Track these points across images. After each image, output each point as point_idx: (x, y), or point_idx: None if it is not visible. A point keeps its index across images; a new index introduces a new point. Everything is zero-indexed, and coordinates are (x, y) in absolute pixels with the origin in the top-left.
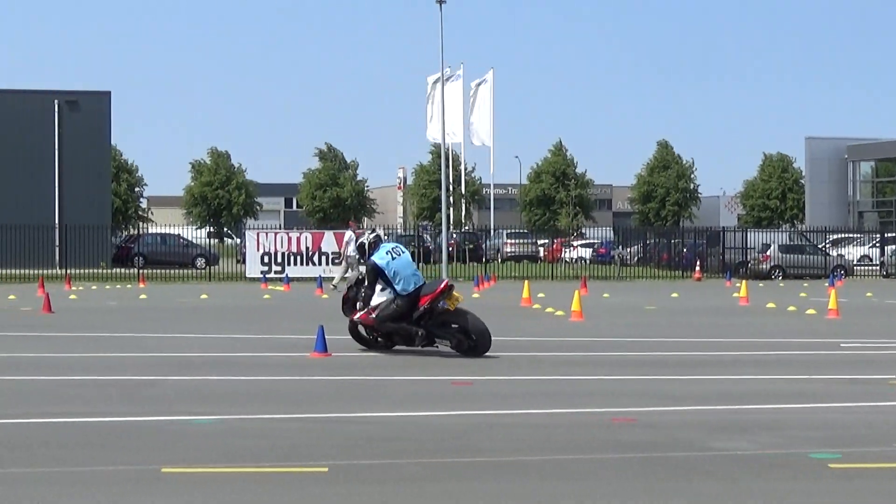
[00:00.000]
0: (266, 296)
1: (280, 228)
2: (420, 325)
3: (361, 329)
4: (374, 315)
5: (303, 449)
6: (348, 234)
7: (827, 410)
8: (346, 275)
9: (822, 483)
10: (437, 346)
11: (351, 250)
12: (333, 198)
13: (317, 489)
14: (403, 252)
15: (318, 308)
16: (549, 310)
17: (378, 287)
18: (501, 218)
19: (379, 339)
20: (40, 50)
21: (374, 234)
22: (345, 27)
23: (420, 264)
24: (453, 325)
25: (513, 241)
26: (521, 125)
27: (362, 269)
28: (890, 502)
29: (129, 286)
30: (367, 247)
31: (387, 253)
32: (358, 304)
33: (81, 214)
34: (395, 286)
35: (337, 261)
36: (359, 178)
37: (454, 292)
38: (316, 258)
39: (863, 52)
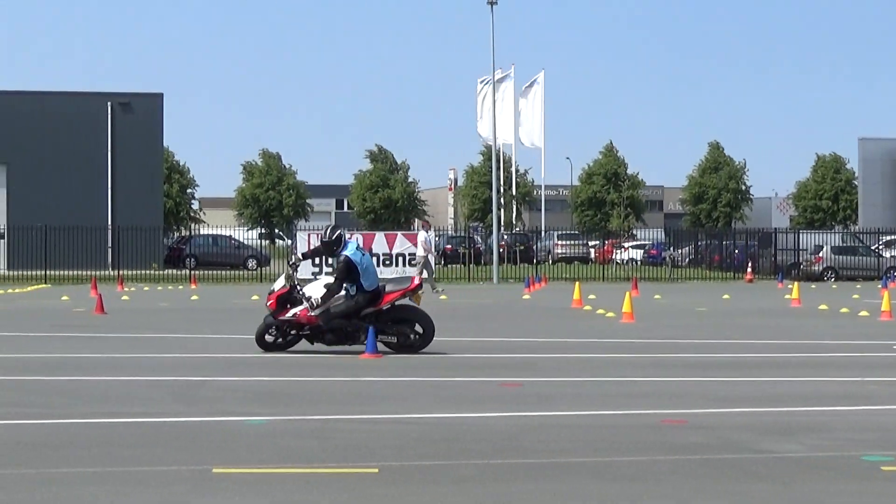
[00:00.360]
0: None
1: None
2: (366, 321)
3: (269, 335)
4: (317, 311)
5: (354, 449)
6: (422, 234)
7: (879, 413)
8: (423, 275)
9: (874, 485)
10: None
11: (422, 252)
12: (384, 199)
13: (368, 490)
14: (365, 251)
15: None
16: (600, 311)
17: (321, 282)
18: (552, 219)
19: (288, 338)
20: (93, 52)
21: (339, 230)
22: (396, 28)
23: (471, 265)
24: (401, 321)
25: (564, 242)
26: (572, 126)
27: (292, 268)
28: None
29: (180, 287)
30: (340, 241)
31: (357, 249)
32: (312, 300)
33: (134, 216)
34: (363, 282)
35: (414, 262)
36: (409, 179)
37: (419, 290)
38: None
39: None
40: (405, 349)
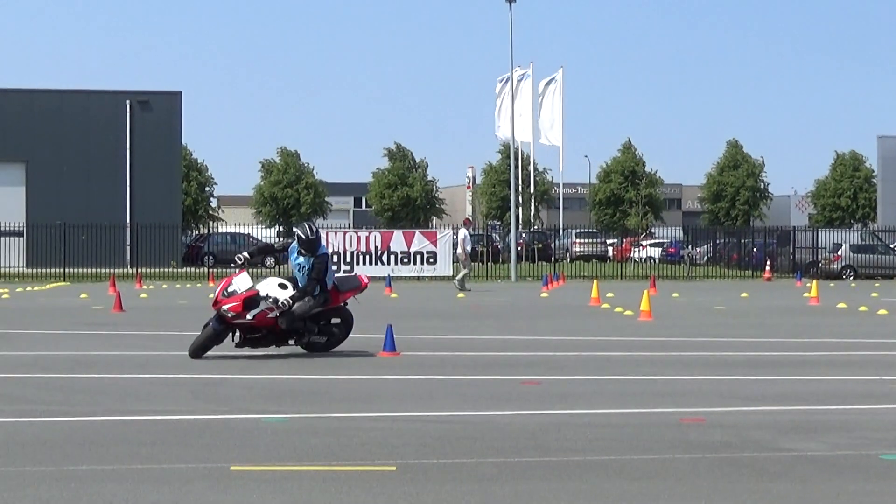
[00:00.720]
0: None
1: (349, 228)
2: (307, 321)
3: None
4: (276, 313)
5: (372, 448)
6: (462, 231)
7: None
8: (466, 271)
9: (892, 484)
10: (291, 344)
11: (463, 248)
12: (403, 197)
13: (385, 488)
14: None
15: (386, 307)
16: (618, 309)
17: (276, 282)
18: (570, 217)
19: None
20: (112, 51)
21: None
22: (414, 26)
23: (489, 264)
24: (330, 319)
25: (582, 240)
26: (590, 124)
27: (246, 266)
28: None
29: (199, 285)
30: (321, 239)
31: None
32: (280, 301)
33: (152, 214)
34: (327, 281)
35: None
36: (428, 177)
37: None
38: (385, 257)
39: None
40: (329, 346)
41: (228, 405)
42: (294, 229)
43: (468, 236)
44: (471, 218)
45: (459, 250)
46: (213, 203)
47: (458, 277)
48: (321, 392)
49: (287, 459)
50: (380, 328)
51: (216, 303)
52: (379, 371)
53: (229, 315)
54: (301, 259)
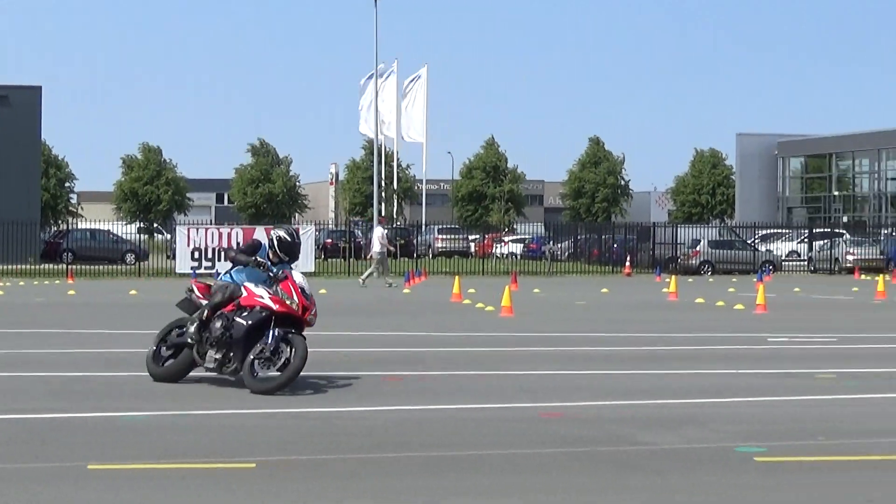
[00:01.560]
0: None
1: (211, 224)
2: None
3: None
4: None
5: (232, 445)
6: (379, 229)
7: (753, 405)
8: (376, 268)
9: (746, 477)
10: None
11: (378, 247)
12: (265, 193)
13: (244, 486)
14: None
15: None
16: (479, 305)
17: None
18: (433, 213)
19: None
20: None
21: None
22: (279, 22)
23: (351, 259)
24: None
25: (444, 236)
26: (454, 121)
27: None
28: (812, 494)
29: (57, 282)
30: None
31: None
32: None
33: (9, 210)
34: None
35: (369, 257)
36: (291, 173)
37: None
38: None
39: (793, 49)
40: None
41: (87, 403)
42: (274, 232)
43: (385, 233)
44: (384, 216)
45: (378, 248)
46: (73, 199)
47: (365, 275)
48: (179, 389)
49: (146, 457)
50: None
51: (305, 310)
52: None
53: (312, 322)
54: (274, 268)
